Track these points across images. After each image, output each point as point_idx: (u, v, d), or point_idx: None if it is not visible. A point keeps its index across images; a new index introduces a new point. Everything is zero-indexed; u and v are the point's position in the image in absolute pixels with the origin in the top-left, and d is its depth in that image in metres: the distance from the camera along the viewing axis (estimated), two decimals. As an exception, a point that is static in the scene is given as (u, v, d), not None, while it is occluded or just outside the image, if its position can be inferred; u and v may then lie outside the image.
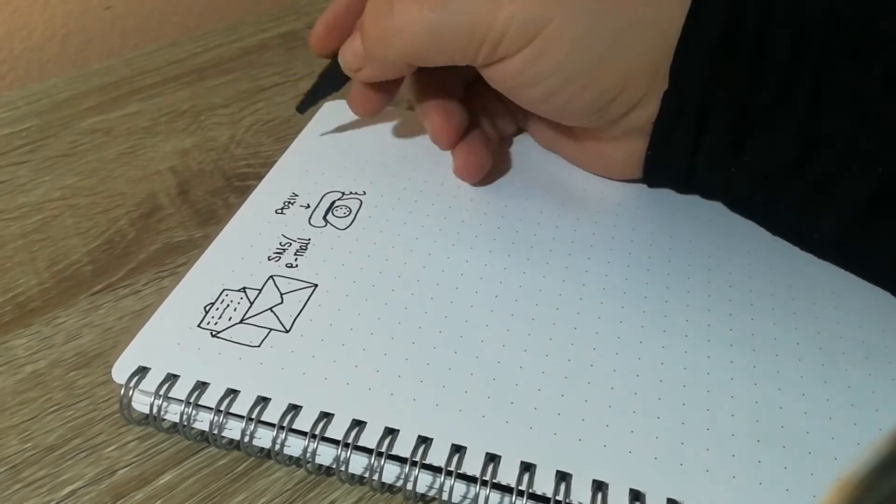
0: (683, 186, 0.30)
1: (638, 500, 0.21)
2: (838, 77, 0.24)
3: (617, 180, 0.31)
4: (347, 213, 0.30)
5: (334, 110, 0.36)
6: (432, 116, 0.30)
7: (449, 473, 0.21)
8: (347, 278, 0.27)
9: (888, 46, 0.23)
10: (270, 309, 0.26)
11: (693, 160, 0.27)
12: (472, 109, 0.31)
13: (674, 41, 0.25)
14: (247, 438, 0.22)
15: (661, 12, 0.25)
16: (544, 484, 0.21)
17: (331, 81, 0.31)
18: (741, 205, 0.29)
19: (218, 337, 0.25)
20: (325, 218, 0.29)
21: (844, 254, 0.26)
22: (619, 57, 0.25)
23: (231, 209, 0.31)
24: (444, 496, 0.21)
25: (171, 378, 0.23)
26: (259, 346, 0.24)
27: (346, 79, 0.30)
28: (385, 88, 0.30)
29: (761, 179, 0.26)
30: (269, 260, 0.28)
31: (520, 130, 0.34)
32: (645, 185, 0.30)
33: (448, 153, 0.32)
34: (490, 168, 0.31)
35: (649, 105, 0.26)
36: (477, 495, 0.21)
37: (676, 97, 0.26)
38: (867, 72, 0.23)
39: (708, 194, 0.30)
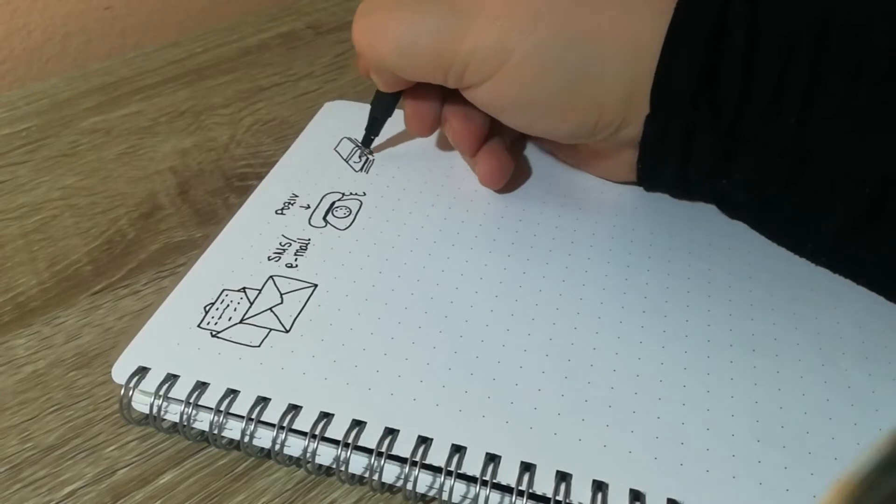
0: (679, 195, 0.30)
1: (638, 500, 0.21)
2: (826, 94, 0.23)
3: (618, 183, 0.31)
4: (347, 213, 0.30)
5: (334, 110, 0.36)
6: (451, 122, 0.30)
7: (449, 473, 0.21)
8: (347, 278, 0.27)
9: (878, 60, 0.23)
10: (270, 309, 0.26)
11: (684, 175, 0.27)
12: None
13: (651, 64, 0.25)
14: (247, 438, 0.22)
15: (635, 38, 0.25)
16: (544, 484, 0.21)
17: (381, 106, 0.31)
18: (735, 213, 0.29)
19: (218, 337, 0.25)
20: (325, 218, 0.29)
21: (837, 262, 0.26)
22: (586, 90, 0.25)
23: (231, 209, 0.31)
24: (444, 496, 0.21)
25: (171, 378, 0.23)
26: (259, 346, 0.24)
27: (394, 100, 0.30)
28: (430, 106, 0.30)
29: (752, 193, 0.26)
30: (269, 260, 0.28)
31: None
32: (645, 186, 0.30)
33: (450, 153, 0.32)
34: (512, 173, 0.30)
35: (635, 124, 0.26)
36: (477, 495, 0.21)
37: (658, 121, 0.25)
38: (856, 88, 0.23)
39: (704, 200, 0.29)
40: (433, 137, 0.33)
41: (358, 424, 0.22)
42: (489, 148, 0.30)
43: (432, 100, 0.30)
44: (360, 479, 0.23)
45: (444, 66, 0.26)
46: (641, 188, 0.30)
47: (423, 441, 0.22)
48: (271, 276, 0.27)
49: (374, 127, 0.32)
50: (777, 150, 0.24)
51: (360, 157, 0.33)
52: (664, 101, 0.25)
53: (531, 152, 0.33)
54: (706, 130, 0.25)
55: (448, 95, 0.30)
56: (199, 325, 0.25)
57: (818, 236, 0.26)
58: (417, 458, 0.21)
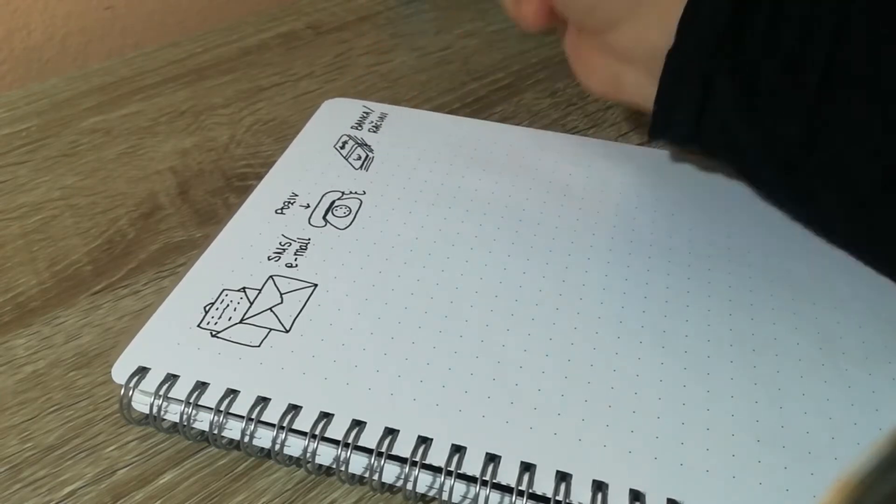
0: (688, 144, 0.29)
1: (638, 500, 0.21)
2: (851, 55, 0.23)
3: (626, 106, 0.31)
4: (347, 212, 0.30)
5: (334, 108, 0.36)
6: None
7: (449, 473, 0.21)
8: (347, 278, 0.27)
9: None
10: (270, 309, 0.26)
11: (699, 123, 0.27)
12: None
13: None
14: (247, 438, 0.22)
15: None
16: (544, 484, 0.21)
17: None
18: (751, 176, 0.28)
19: (218, 337, 0.25)
20: (324, 218, 0.29)
21: (853, 236, 0.26)
22: None
23: (231, 209, 0.31)
24: (444, 496, 0.21)
25: (171, 378, 0.23)
26: (259, 346, 0.24)
27: None
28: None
29: (770, 153, 0.26)
30: (269, 260, 0.28)
31: None
32: (645, 186, 0.30)
33: (451, 152, 0.32)
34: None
35: (651, 32, 0.27)
36: (477, 495, 0.21)
37: (680, 58, 0.26)
38: (881, 51, 0.23)
39: (712, 153, 0.29)
40: (433, 136, 0.33)
41: (358, 424, 0.22)
42: None
43: None
44: (360, 479, 0.23)
45: None
46: (642, 188, 0.30)
47: (423, 441, 0.22)
48: (271, 276, 0.27)
49: None
50: (796, 108, 0.24)
51: (359, 154, 0.33)
52: (688, 40, 0.25)
53: (533, 152, 0.33)
54: (725, 81, 0.25)
55: None
56: (199, 325, 0.25)
57: (834, 205, 0.25)
58: (417, 458, 0.21)
